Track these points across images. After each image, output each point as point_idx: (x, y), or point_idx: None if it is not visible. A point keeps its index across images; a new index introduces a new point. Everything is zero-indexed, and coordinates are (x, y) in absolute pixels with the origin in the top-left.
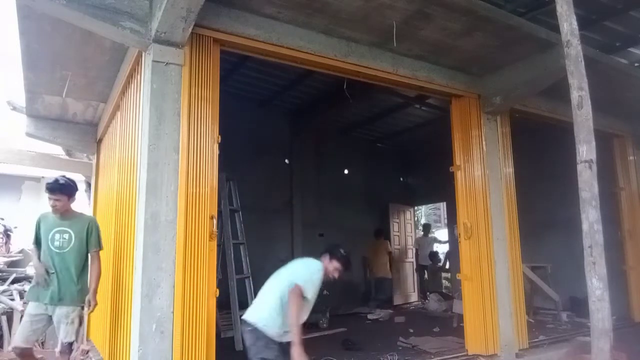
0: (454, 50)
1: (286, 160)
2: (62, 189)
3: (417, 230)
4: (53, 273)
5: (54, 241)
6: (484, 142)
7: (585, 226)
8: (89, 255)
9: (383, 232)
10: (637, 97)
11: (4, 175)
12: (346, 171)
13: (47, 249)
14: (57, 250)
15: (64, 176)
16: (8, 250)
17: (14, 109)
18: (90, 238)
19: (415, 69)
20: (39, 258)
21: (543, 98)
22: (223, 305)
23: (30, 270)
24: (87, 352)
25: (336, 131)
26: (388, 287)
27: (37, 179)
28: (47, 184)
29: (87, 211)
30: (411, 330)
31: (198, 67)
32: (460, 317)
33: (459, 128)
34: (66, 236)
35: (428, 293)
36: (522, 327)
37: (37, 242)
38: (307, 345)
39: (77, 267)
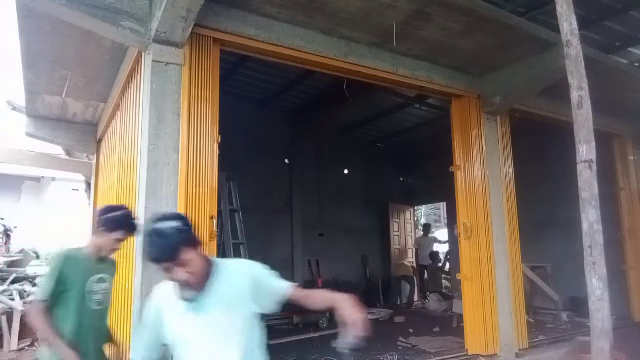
0: (454, 50)
1: (286, 160)
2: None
3: (417, 230)
4: None
5: (93, 294)
6: (484, 142)
7: (585, 226)
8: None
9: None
10: (637, 97)
11: (4, 175)
12: (346, 171)
13: (80, 308)
14: (98, 308)
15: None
16: (8, 250)
17: (14, 109)
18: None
19: (415, 69)
20: (55, 331)
21: (543, 98)
22: None
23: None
24: None
25: (336, 131)
26: (411, 283)
27: (37, 179)
28: (135, 222)
29: (87, 212)
30: (411, 330)
31: (198, 67)
32: (460, 317)
33: (459, 128)
34: (105, 286)
35: (428, 293)
36: (522, 327)
37: (56, 297)
38: (307, 346)
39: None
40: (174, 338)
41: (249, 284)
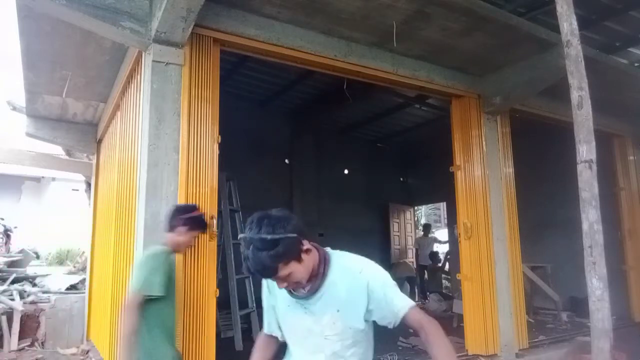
0: (454, 50)
1: (286, 160)
2: None
3: (417, 230)
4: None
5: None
6: (484, 142)
7: (585, 226)
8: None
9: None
10: (637, 97)
11: (4, 175)
12: (346, 171)
13: (173, 303)
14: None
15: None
16: (8, 250)
17: (14, 109)
18: None
19: (415, 69)
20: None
21: (543, 98)
22: (223, 305)
23: (30, 270)
24: (87, 352)
25: (336, 131)
26: (412, 283)
27: (37, 179)
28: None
29: (87, 212)
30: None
31: (198, 67)
32: (460, 317)
33: (459, 128)
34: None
35: (428, 293)
36: (522, 327)
37: (165, 292)
38: None
39: None
40: (281, 323)
41: (364, 290)
